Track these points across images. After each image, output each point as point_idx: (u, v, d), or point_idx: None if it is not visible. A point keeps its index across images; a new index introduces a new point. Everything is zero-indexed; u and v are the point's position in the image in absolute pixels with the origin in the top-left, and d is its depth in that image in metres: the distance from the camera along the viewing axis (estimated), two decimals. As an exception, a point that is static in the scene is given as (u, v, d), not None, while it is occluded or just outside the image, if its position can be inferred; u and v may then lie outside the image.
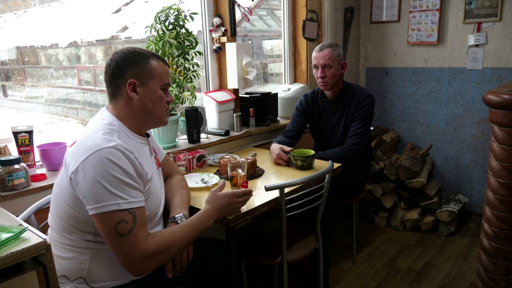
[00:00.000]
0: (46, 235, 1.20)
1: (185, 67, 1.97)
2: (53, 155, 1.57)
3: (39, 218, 1.35)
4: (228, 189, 1.44)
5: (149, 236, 1.12)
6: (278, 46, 3.04)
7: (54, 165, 1.58)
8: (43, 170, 1.60)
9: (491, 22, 2.64)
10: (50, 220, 1.22)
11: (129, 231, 1.06)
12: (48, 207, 1.24)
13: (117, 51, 1.19)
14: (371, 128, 2.56)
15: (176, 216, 1.27)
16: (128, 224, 1.05)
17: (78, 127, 2.81)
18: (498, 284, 1.73)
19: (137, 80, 1.16)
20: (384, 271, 2.29)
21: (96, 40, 2.87)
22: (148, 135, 1.32)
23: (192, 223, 1.22)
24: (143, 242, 1.08)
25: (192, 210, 1.40)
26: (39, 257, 0.93)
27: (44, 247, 0.92)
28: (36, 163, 1.61)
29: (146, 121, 1.23)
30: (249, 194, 1.36)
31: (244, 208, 1.41)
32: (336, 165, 1.82)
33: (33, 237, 0.93)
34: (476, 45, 2.73)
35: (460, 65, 2.83)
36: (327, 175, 1.64)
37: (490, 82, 2.74)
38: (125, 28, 2.94)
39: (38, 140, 1.68)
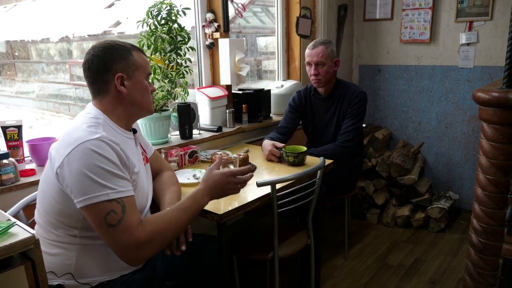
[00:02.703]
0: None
1: (177, 63, 1.96)
2: (42, 150, 1.56)
3: (28, 214, 1.34)
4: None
5: (141, 225, 1.09)
6: (272, 43, 3.03)
7: (43, 160, 1.56)
8: (32, 165, 1.59)
9: (483, 21, 2.66)
10: (36, 216, 1.21)
11: (119, 221, 1.04)
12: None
13: (95, 46, 1.17)
14: (364, 125, 2.57)
15: None
16: (117, 214, 1.04)
17: (69, 123, 2.78)
18: (486, 279, 1.76)
19: (124, 73, 1.16)
20: (375, 267, 2.31)
21: (89, 35, 2.84)
22: (135, 131, 1.31)
23: (185, 205, 1.17)
24: (134, 230, 1.06)
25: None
26: (27, 252, 0.93)
27: (32, 242, 0.91)
28: (26, 158, 1.59)
29: (135, 113, 1.24)
30: (247, 172, 1.24)
31: (235, 204, 1.41)
32: (328, 161, 1.83)
33: (21, 232, 0.92)
34: (468, 44, 2.75)
35: (452, 64, 2.85)
36: (318, 171, 1.65)
37: (481, 80, 2.76)
38: (118, 23, 2.91)
39: (30, 136, 1.66)
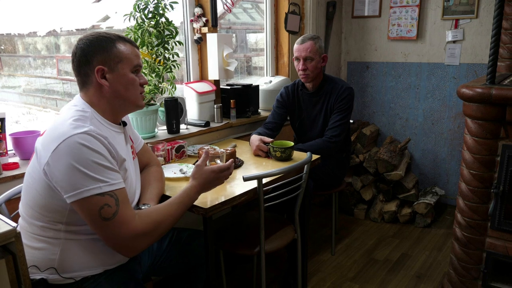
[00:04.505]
0: (17, 224, 1.17)
1: (164, 57, 1.95)
2: (26, 144, 1.53)
3: (11, 208, 1.32)
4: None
5: (137, 216, 1.10)
6: (262, 39, 3.03)
7: (27, 154, 1.54)
8: (15, 159, 1.56)
9: (468, 19, 2.70)
10: (21, 209, 1.19)
11: (114, 214, 1.04)
12: (20, 197, 1.20)
13: (81, 37, 1.15)
14: (351, 121, 2.59)
15: (141, 205, 1.26)
16: (112, 208, 1.04)
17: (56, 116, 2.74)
18: (470, 273, 1.79)
19: (105, 66, 1.13)
20: (362, 261, 2.33)
21: (77, 29, 2.79)
22: (125, 124, 1.29)
23: (179, 200, 1.21)
24: (131, 221, 1.06)
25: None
26: (8, 246, 0.91)
27: (14, 235, 0.89)
28: (9, 152, 1.56)
29: (121, 107, 1.20)
30: (230, 167, 1.34)
31: (222, 198, 1.41)
32: (315, 156, 1.84)
33: (2, 225, 0.90)
34: (454, 41, 2.79)
35: (438, 61, 2.89)
36: (305, 166, 1.66)
37: (466, 77, 2.80)
38: (106, 18, 2.87)
39: (15, 131, 1.63)
